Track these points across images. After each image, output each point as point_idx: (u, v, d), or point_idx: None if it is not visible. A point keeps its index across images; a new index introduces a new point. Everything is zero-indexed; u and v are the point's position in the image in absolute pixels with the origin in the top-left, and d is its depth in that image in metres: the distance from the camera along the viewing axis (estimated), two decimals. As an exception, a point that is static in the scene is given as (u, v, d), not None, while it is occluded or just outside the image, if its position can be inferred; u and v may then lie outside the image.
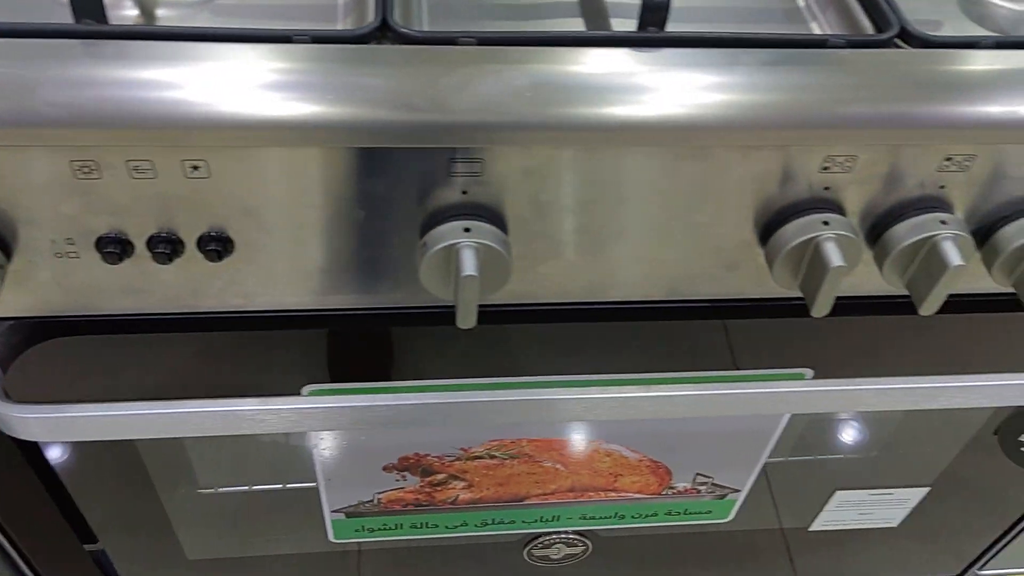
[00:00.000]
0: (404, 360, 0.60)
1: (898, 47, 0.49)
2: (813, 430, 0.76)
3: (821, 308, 0.51)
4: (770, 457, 0.76)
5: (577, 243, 0.51)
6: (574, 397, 0.55)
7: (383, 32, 0.46)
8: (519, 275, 0.52)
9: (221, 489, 0.78)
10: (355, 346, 0.60)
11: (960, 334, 0.64)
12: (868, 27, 0.51)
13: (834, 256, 0.48)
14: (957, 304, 0.57)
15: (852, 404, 0.61)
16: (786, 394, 0.60)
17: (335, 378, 0.61)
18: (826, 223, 0.49)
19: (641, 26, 0.47)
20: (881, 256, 0.52)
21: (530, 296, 0.53)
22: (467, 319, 0.48)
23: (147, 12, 0.50)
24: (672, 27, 0.49)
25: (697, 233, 0.51)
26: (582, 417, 0.56)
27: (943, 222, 0.50)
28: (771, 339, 0.63)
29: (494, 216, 0.49)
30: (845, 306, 0.57)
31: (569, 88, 0.44)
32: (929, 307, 0.51)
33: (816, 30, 0.53)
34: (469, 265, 0.46)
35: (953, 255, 0.49)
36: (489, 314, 0.54)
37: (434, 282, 0.48)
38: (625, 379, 0.60)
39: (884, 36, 0.48)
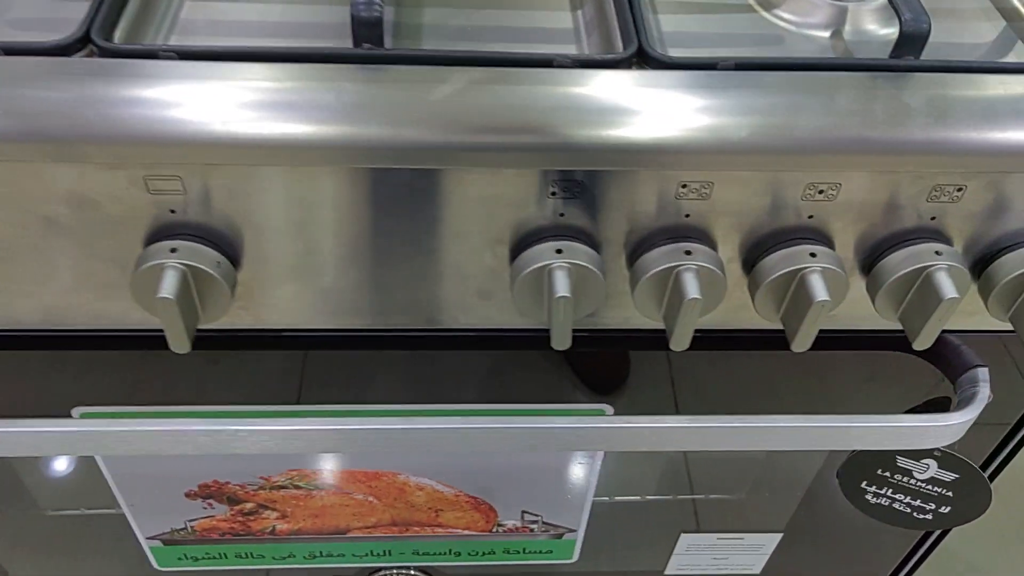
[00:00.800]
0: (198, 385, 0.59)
1: (641, 67, 0.47)
2: (654, 470, 0.73)
3: (559, 341, 0.48)
4: (610, 496, 0.73)
5: (307, 268, 0.49)
6: (324, 428, 0.53)
7: (86, 45, 0.45)
8: (250, 299, 0.50)
9: (51, 512, 0.76)
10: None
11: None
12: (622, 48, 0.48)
13: (561, 286, 0.46)
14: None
15: (648, 443, 0.58)
16: (577, 430, 0.57)
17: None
18: (559, 251, 0.47)
19: (356, 43, 0.45)
20: (635, 281, 0.49)
21: (268, 322, 0.51)
22: (175, 343, 0.46)
23: None
24: (432, 45, 0.48)
25: (439, 260, 0.49)
26: (338, 448, 0.54)
27: (687, 252, 0.47)
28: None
29: (212, 236, 0.47)
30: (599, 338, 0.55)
31: (263, 105, 0.42)
32: (679, 342, 0.48)
33: (575, 51, 0.51)
34: (167, 287, 0.44)
35: (692, 288, 0.46)
36: (220, 339, 0.52)
37: (145, 303, 0.47)
38: (398, 410, 0.58)
39: (618, 56, 0.46)
